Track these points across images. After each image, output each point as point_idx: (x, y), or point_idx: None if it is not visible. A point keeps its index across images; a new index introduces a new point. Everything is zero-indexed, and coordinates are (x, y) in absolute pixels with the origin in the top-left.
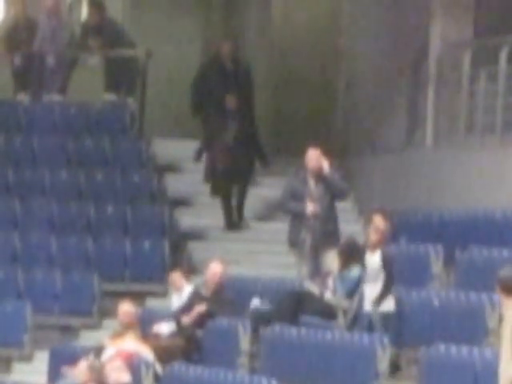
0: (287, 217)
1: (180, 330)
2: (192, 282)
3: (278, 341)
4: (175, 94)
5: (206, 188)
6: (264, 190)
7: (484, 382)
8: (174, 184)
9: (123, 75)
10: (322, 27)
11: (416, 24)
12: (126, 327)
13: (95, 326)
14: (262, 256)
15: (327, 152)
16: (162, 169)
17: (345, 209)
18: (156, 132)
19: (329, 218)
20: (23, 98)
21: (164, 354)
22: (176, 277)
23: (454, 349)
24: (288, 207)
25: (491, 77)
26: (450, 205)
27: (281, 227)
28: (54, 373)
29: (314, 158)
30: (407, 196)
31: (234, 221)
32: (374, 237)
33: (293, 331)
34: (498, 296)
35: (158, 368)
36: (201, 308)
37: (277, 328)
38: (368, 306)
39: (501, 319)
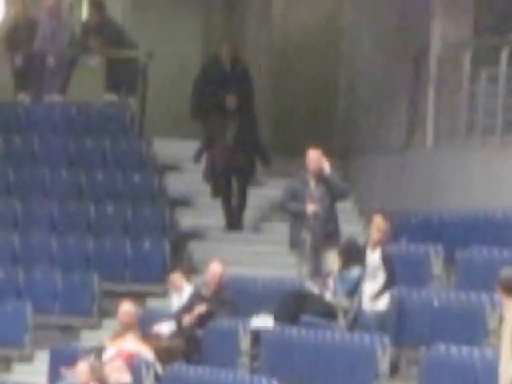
0: (288, 217)
1: (180, 330)
2: (192, 282)
3: (279, 341)
4: (175, 94)
5: (207, 188)
6: (264, 190)
7: (484, 382)
8: (175, 184)
9: (124, 75)
10: (322, 27)
11: (416, 24)
12: (127, 327)
13: (95, 326)
14: (263, 256)
15: (328, 152)
16: (163, 169)
17: (345, 209)
18: (156, 132)
19: (329, 218)
20: (23, 98)
21: (164, 354)
22: (176, 277)
23: (454, 349)
24: (288, 207)
25: (492, 77)
26: (451, 205)
27: (281, 227)
28: (55, 373)
29: (315, 158)
30: (408, 196)
31: (235, 221)
32: (375, 235)
33: (293, 331)
34: (499, 296)
35: (159, 368)
36: (201, 308)
37: (277, 328)
38: (365, 303)
39: (501, 319)
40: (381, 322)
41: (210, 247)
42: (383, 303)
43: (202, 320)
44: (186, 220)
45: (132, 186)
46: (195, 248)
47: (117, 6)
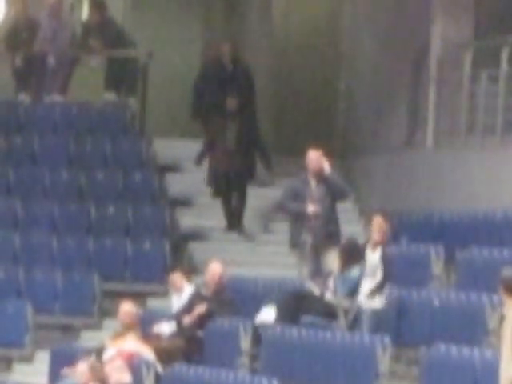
0: (288, 217)
1: (181, 330)
2: (192, 283)
3: (279, 341)
4: (176, 94)
5: (207, 188)
6: (264, 190)
7: (484, 382)
8: (175, 184)
9: (124, 75)
10: (322, 27)
11: (416, 24)
12: (127, 327)
13: (96, 326)
14: (263, 256)
15: (328, 152)
16: (163, 169)
17: (345, 209)
18: (157, 132)
19: (330, 218)
20: (24, 98)
21: (165, 355)
22: (176, 277)
23: (454, 349)
24: (288, 208)
25: (492, 77)
26: (451, 205)
27: (281, 227)
28: (55, 373)
29: (315, 159)
30: (408, 196)
31: (235, 222)
32: (376, 236)
33: (293, 331)
34: (501, 296)
35: (159, 368)
36: (201, 308)
37: (277, 328)
38: (361, 301)
39: (502, 319)
40: (377, 320)
41: (210, 247)
42: (379, 301)
43: (202, 320)
44: (187, 220)
45: (132, 186)
46: (195, 248)
47: (117, 5)
